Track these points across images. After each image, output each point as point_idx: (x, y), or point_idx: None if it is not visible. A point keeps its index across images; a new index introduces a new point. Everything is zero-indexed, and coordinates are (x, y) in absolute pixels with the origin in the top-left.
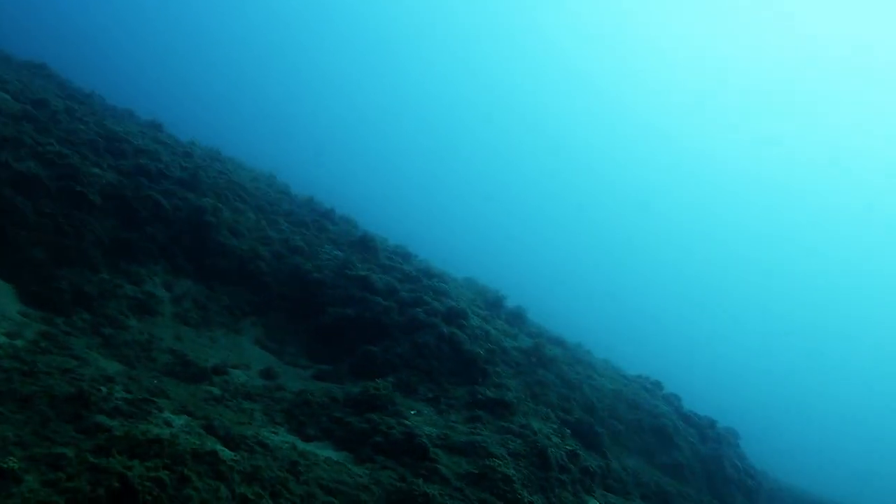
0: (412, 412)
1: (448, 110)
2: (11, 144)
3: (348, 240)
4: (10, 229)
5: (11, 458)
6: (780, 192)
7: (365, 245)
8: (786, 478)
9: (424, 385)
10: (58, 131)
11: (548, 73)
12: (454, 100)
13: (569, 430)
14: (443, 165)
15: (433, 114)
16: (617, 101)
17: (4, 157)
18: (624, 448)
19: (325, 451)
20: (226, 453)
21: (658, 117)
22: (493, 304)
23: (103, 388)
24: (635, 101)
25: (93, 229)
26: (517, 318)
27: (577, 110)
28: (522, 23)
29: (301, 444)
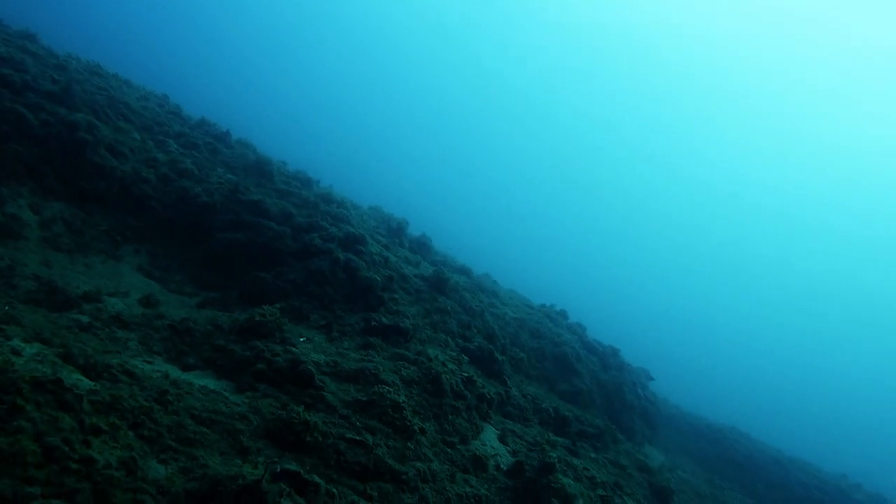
0: (301, 339)
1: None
2: None
3: (243, 164)
4: None
5: None
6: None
7: (261, 169)
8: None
9: (317, 312)
10: None
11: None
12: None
13: (467, 358)
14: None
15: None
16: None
17: None
18: (525, 376)
19: (202, 381)
20: (83, 383)
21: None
22: (396, 231)
23: None
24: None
25: None
26: (422, 246)
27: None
28: None
29: (175, 373)
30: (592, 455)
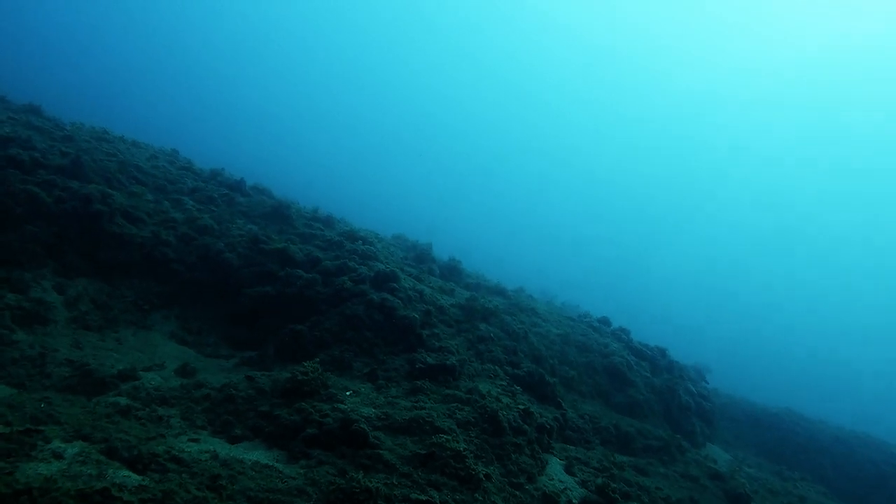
0: (347, 393)
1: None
2: None
3: (261, 211)
4: None
5: None
6: None
7: (280, 214)
8: (740, 393)
9: (359, 360)
10: None
11: None
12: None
13: (519, 388)
14: None
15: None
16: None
17: None
18: (578, 394)
19: (253, 454)
20: (130, 480)
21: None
22: (423, 257)
23: None
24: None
25: None
26: (452, 271)
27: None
28: None
29: (224, 451)
30: (662, 470)
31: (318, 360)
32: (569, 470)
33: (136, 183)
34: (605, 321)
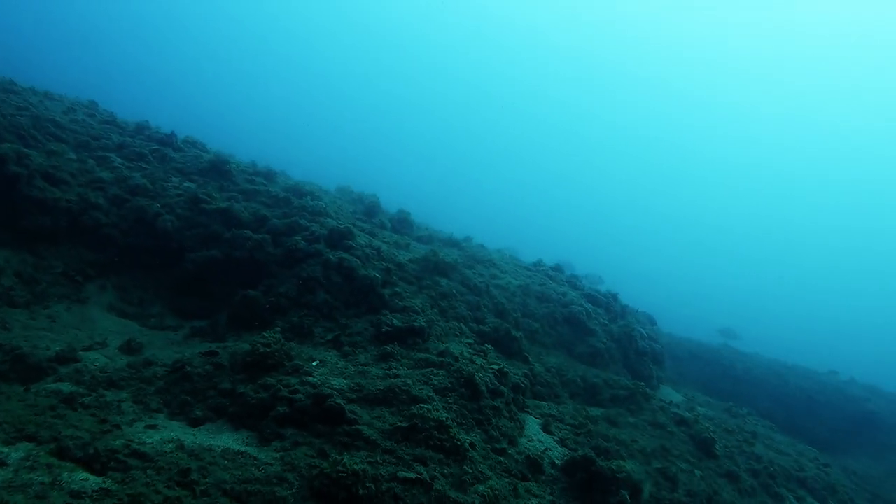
0: (314, 364)
1: None
2: None
3: (198, 167)
4: None
5: None
6: None
7: (219, 169)
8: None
9: (320, 325)
10: None
11: None
12: None
13: (491, 347)
14: None
15: None
16: None
17: None
18: (542, 346)
19: (221, 438)
20: (89, 483)
21: None
22: (372, 210)
23: None
24: None
25: None
26: (402, 223)
27: None
28: None
29: (189, 438)
30: (631, 420)
31: (277, 328)
32: (546, 429)
33: (55, 140)
34: (558, 268)
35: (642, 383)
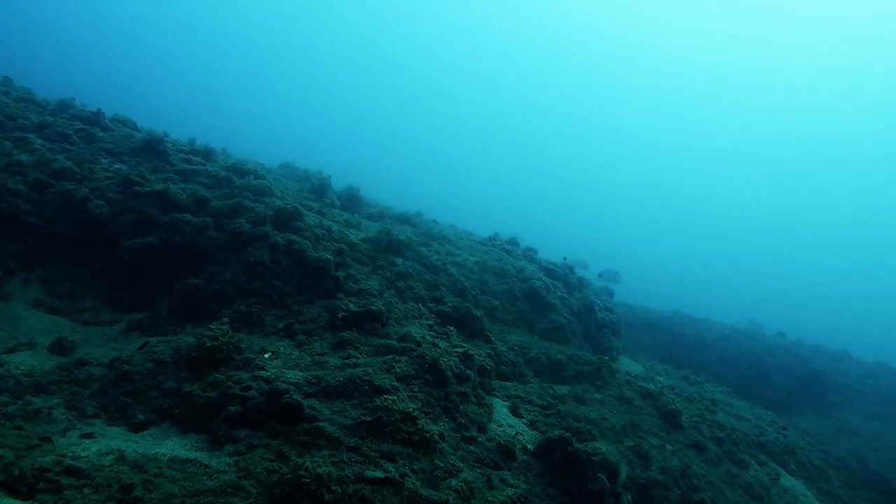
0: (266, 356)
1: None
2: None
3: (129, 147)
4: None
5: None
6: None
7: (152, 149)
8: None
9: (270, 313)
10: None
11: None
12: None
13: (453, 328)
14: None
15: None
16: None
17: None
18: (503, 324)
19: (167, 444)
20: None
21: None
22: (321, 189)
23: None
24: None
25: None
26: (352, 200)
27: None
28: None
29: (131, 447)
30: (598, 396)
31: (225, 318)
32: (515, 411)
33: None
34: (513, 241)
35: (606, 357)
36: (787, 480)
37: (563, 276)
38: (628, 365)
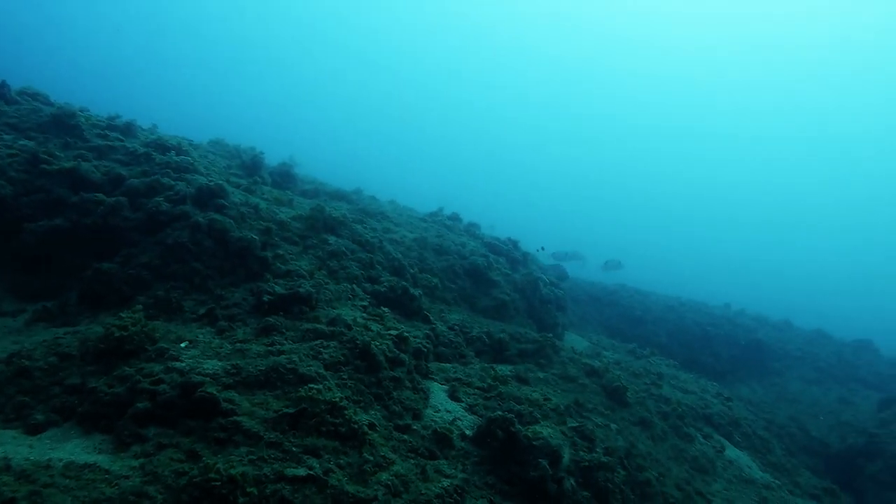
0: (182, 345)
1: None
2: None
3: (36, 121)
4: None
5: None
6: None
7: (63, 124)
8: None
9: (190, 298)
10: None
11: None
12: None
13: (387, 309)
14: None
15: None
16: None
17: None
18: (443, 302)
19: (65, 448)
20: None
21: None
22: (253, 166)
23: None
24: None
25: None
26: (285, 177)
27: None
28: None
29: (21, 452)
30: (541, 375)
31: (139, 305)
32: (453, 395)
33: None
34: (455, 217)
35: (550, 335)
36: (732, 452)
37: (507, 251)
38: (574, 341)
